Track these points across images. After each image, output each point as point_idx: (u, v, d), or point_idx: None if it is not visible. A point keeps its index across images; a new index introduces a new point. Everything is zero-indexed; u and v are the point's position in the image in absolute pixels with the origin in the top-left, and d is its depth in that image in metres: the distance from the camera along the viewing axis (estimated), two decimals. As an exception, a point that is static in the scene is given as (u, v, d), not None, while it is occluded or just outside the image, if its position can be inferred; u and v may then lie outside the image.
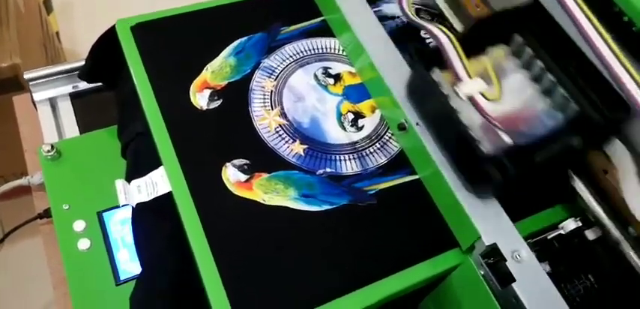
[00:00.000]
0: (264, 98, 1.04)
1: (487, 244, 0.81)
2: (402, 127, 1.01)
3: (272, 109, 1.01)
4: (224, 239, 0.90)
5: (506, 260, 0.84)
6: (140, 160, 0.98)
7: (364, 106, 1.05)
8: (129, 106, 1.04)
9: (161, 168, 0.89)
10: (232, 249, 0.86)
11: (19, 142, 1.52)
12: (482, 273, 0.87)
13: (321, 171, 0.96)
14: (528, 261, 0.86)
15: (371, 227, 0.89)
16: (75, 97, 1.41)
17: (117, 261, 1.08)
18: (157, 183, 0.92)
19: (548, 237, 0.89)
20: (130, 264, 1.10)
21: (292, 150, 0.97)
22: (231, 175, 0.92)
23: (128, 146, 1.05)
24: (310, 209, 0.92)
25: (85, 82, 1.34)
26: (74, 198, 1.15)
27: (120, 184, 0.92)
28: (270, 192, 0.92)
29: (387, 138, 1.01)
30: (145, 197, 0.93)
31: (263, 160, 0.95)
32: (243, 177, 0.92)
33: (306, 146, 0.98)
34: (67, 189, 1.16)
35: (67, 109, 1.51)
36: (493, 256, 0.85)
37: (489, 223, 0.83)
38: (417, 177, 0.95)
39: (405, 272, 0.86)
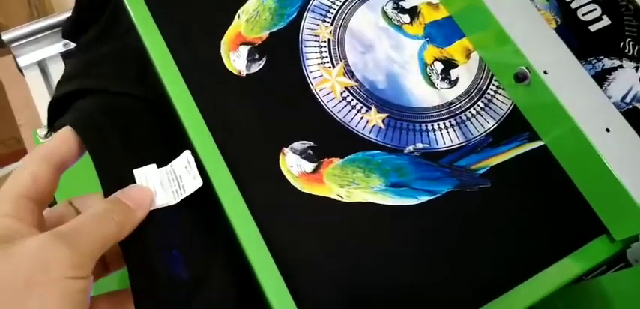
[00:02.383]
0: (321, 52, 0.76)
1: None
2: (521, 77, 0.74)
3: (333, 65, 0.75)
4: (296, 261, 0.65)
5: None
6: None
7: (455, 50, 0.78)
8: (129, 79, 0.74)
9: (186, 154, 0.61)
10: (309, 271, 0.64)
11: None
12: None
13: (410, 148, 0.74)
14: None
15: (488, 219, 0.69)
16: (68, 56, 1.11)
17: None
18: (181, 177, 0.65)
19: None
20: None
21: (368, 122, 0.75)
22: (293, 164, 0.70)
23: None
24: (404, 203, 0.70)
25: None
26: (77, 188, 0.90)
27: (142, 174, 0.64)
28: (347, 184, 0.70)
29: (493, 92, 0.74)
30: (172, 198, 0.66)
31: (332, 139, 0.72)
32: (309, 166, 0.70)
33: (385, 115, 0.75)
34: (68, 177, 0.90)
35: (60, 72, 1.22)
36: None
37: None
38: (539, 144, 0.68)
39: (547, 273, 0.61)
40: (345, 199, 0.68)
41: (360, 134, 0.73)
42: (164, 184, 0.60)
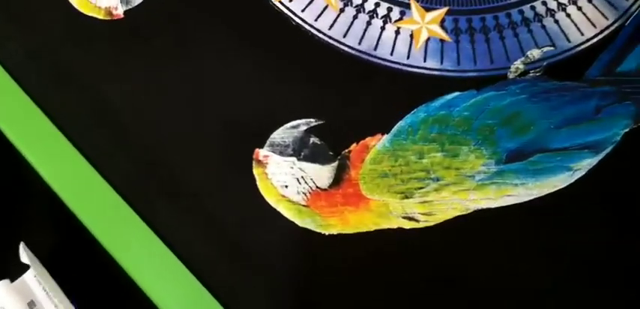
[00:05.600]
0: None
1: None
2: None
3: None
4: None
5: None
6: None
7: None
8: None
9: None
10: None
11: None
12: None
13: (517, 64, 0.39)
14: None
15: None
16: None
17: None
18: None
19: None
20: None
21: (413, 36, 0.40)
22: (286, 178, 0.36)
23: None
24: (550, 186, 0.36)
25: None
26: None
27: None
28: (415, 186, 0.36)
29: None
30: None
31: (350, 94, 0.39)
32: (325, 171, 0.36)
33: (442, 11, 0.41)
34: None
35: None
36: None
37: None
38: None
39: None
40: (424, 222, 0.35)
41: (404, 67, 0.39)
42: None
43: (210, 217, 0.36)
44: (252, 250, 0.35)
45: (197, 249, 0.36)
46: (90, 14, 0.44)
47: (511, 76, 0.38)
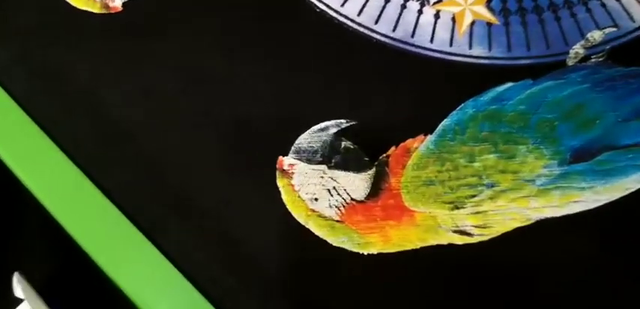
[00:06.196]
0: None
1: None
2: None
3: None
4: None
5: None
6: None
7: None
8: None
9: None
10: None
11: None
12: None
13: (577, 48, 0.34)
14: None
15: None
16: None
17: None
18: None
19: None
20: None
21: (455, 20, 0.35)
22: (316, 190, 0.31)
23: None
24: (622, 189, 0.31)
25: None
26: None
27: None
28: (466, 194, 0.30)
29: None
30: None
31: (384, 90, 0.33)
32: (360, 182, 0.31)
33: None
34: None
35: None
36: None
37: None
38: None
39: None
40: (478, 236, 0.30)
41: (446, 56, 0.34)
42: None
43: (227, 239, 0.31)
44: (279, 277, 0.30)
45: (212, 275, 0.31)
46: (84, 8, 0.39)
47: (570, 62, 0.33)
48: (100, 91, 0.35)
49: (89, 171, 0.33)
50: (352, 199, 0.32)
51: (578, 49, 0.33)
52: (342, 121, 0.32)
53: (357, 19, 0.34)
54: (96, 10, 0.38)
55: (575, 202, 0.31)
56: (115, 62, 0.35)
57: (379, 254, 0.30)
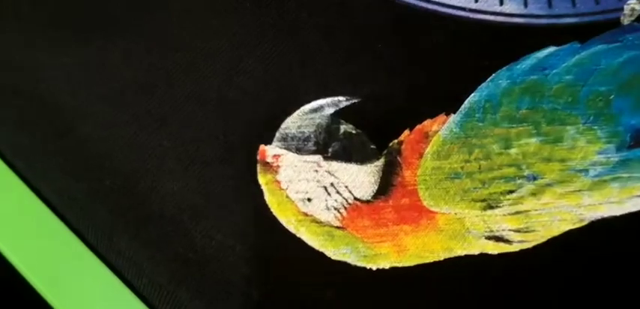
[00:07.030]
0: None
1: None
2: None
3: None
4: None
5: None
6: None
7: None
8: None
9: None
10: None
11: None
12: None
13: (632, 5, 0.27)
14: None
15: None
16: None
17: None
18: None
19: None
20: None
21: None
22: (308, 186, 0.25)
23: None
24: None
25: None
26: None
27: None
28: (500, 190, 0.25)
29: None
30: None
31: (391, 60, 0.27)
32: (370, 177, 0.26)
33: None
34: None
35: None
36: None
37: None
38: None
39: None
40: (519, 243, 0.25)
41: (472, 14, 0.28)
42: None
43: (192, 255, 0.25)
44: (260, 303, 0.24)
45: (174, 299, 0.25)
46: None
47: (626, 21, 0.28)
48: (36, 74, 0.29)
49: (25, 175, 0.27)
50: (356, 198, 0.27)
51: (634, 5, 0.28)
52: (341, 98, 0.26)
53: (358, -30, 0.28)
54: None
55: (638, 196, 0.26)
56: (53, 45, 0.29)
57: (392, 269, 0.25)
